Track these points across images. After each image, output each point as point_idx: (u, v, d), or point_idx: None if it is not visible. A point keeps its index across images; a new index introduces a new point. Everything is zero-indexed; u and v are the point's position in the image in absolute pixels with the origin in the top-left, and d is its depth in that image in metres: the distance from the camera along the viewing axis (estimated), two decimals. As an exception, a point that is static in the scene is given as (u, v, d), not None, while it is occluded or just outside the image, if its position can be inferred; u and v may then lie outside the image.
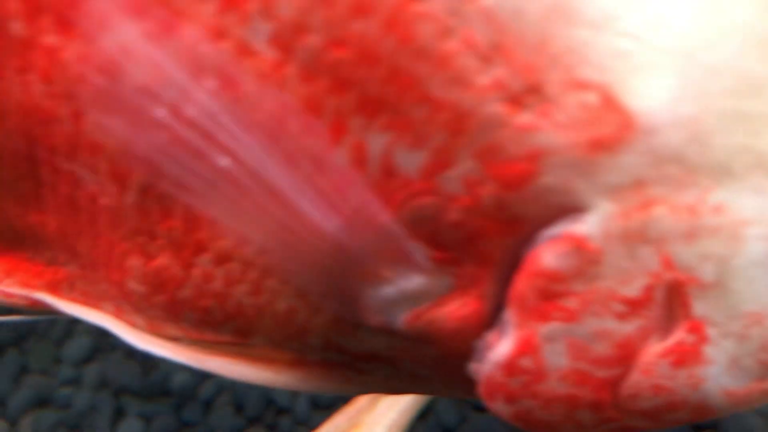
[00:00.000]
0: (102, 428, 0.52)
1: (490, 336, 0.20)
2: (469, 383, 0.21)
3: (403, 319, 0.20)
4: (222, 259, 0.20)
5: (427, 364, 0.21)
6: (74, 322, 0.58)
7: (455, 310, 0.20)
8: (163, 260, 0.21)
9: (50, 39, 0.18)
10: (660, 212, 0.18)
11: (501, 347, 0.19)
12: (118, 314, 0.23)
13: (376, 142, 0.18)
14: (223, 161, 0.18)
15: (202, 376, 0.55)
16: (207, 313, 0.21)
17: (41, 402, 0.54)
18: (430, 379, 0.22)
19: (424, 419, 0.52)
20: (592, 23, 0.17)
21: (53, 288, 0.23)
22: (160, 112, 0.18)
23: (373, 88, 0.18)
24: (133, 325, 0.23)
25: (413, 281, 0.19)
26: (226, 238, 0.20)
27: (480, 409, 0.55)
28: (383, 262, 0.19)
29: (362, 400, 0.50)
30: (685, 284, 0.18)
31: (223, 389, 0.54)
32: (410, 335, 0.20)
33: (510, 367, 0.19)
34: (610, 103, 0.18)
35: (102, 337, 0.57)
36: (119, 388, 0.54)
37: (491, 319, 0.20)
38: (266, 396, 0.54)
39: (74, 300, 0.23)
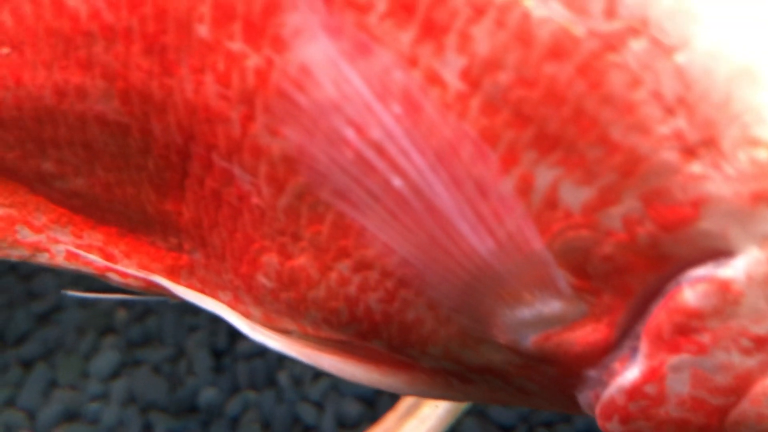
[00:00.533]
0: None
1: (613, 362, 0.21)
2: (573, 400, 0.23)
3: (532, 339, 0.21)
4: (362, 266, 0.21)
5: (539, 381, 0.23)
6: (102, 337, 0.58)
7: (585, 335, 0.21)
8: (301, 261, 0.22)
9: (236, 45, 0.20)
10: None
11: (628, 374, 0.21)
12: (234, 304, 0.24)
13: (545, 176, 0.19)
14: (396, 181, 0.19)
15: (229, 393, 0.56)
16: (333, 313, 0.23)
17: (70, 416, 0.54)
18: (536, 394, 0.24)
19: (450, 438, 0.52)
20: None
21: (172, 273, 0.25)
22: (342, 127, 0.19)
23: (553, 126, 0.19)
24: (248, 315, 0.24)
25: (551, 306, 0.21)
26: (371, 247, 0.21)
27: (505, 428, 0.55)
28: (527, 285, 0.20)
29: (389, 420, 0.50)
30: None
31: (250, 406, 0.55)
32: (535, 355, 0.21)
33: (634, 392, 0.21)
34: None
35: (129, 352, 0.57)
36: (147, 404, 0.55)
37: (616, 346, 0.21)
38: (292, 413, 0.55)
39: (191, 286, 0.25)
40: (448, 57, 0.19)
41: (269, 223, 0.22)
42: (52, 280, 0.61)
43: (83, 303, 0.60)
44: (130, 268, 0.25)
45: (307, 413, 0.55)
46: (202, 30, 0.20)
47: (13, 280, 0.61)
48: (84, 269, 0.26)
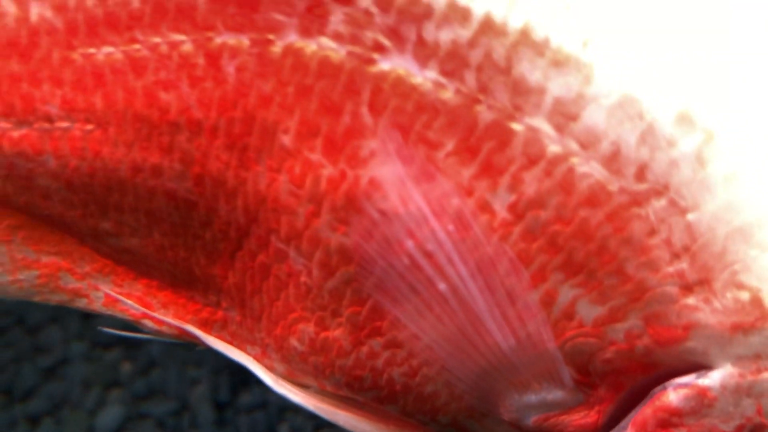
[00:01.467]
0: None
1: None
2: None
3: (533, 419, 0.26)
4: (392, 345, 0.25)
5: None
6: (107, 391, 0.60)
7: (578, 419, 0.26)
8: (336, 333, 0.25)
9: (314, 156, 0.23)
10: (766, 376, 0.24)
11: None
12: (261, 358, 0.27)
13: (566, 293, 0.24)
14: (441, 284, 0.24)
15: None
16: (357, 379, 0.26)
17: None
18: None
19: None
20: (762, 245, 0.24)
21: (205, 325, 0.27)
22: (400, 234, 0.23)
23: (579, 256, 0.24)
24: (272, 369, 0.27)
25: (554, 394, 0.25)
26: (403, 331, 0.25)
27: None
28: (537, 377, 0.25)
29: None
30: (766, 427, 0.25)
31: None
32: (533, 431, 0.26)
33: None
34: (756, 302, 0.24)
35: (134, 405, 0.59)
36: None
37: (602, 429, 0.26)
38: None
39: (221, 338, 0.27)
40: (499, 192, 0.23)
41: (312, 299, 0.25)
42: (58, 332, 0.63)
43: (89, 357, 0.61)
44: (166, 316, 0.27)
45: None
46: (285, 139, 0.24)
47: (19, 333, 0.63)
48: (120, 315, 0.28)
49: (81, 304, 0.28)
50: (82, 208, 0.25)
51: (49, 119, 0.23)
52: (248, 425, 0.58)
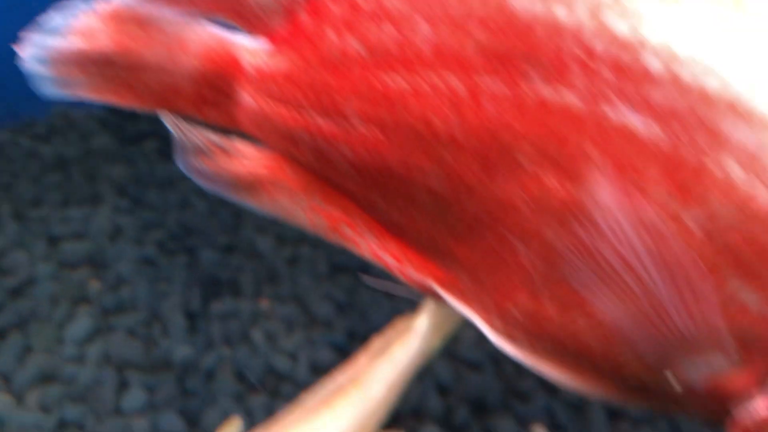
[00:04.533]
0: (107, 401, 0.53)
1: (756, 401, 0.31)
2: (713, 415, 0.32)
3: (699, 377, 0.31)
4: (583, 317, 0.31)
5: (692, 400, 0.32)
6: (76, 306, 0.59)
7: (738, 380, 0.30)
8: (544, 304, 0.32)
9: (544, 174, 0.30)
10: None
11: (760, 411, 0.30)
12: (482, 314, 0.34)
13: (738, 289, 0.28)
14: (634, 284, 0.29)
15: (204, 349, 0.57)
16: (558, 342, 0.32)
17: (46, 378, 0.55)
18: (685, 406, 0.33)
19: (422, 378, 0.54)
20: None
21: (439, 281, 0.35)
22: (606, 249, 0.29)
23: (756, 266, 0.28)
24: (490, 324, 0.34)
25: (719, 360, 0.30)
26: (594, 307, 0.31)
27: (475, 366, 0.57)
28: (707, 348, 0.30)
29: (361, 360, 0.52)
30: None
31: (224, 361, 0.56)
32: (699, 387, 0.31)
33: (762, 423, 0.30)
34: None
35: (104, 319, 0.58)
36: (122, 363, 0.55)
37: (757, 390, 0.31)
38: (267, 365, 0.56)
39: (452, 294, 0.35)
40: (691, 210, 0.28)
41: (529, 278, 0.32)
42: (23, 256, 0.62)
43: (56, 277, 0.61)
44: (414, 272, 0.35)
45: (282, 363, 0.56)
46: (523, 158, 0.30)
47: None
48: (377, 263, 0.36)
49: (351, 247, 0.36)
50: (364, 187, 0.35)
51: (347, 118, 0.33)
52: (221, 332, 0.58)
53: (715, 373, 0.31)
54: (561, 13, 0.30)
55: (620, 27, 0.29)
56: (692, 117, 0.28)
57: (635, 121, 0.29)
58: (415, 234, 0.35)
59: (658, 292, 0.30)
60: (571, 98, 0.30)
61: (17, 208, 0.66)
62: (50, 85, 0.35)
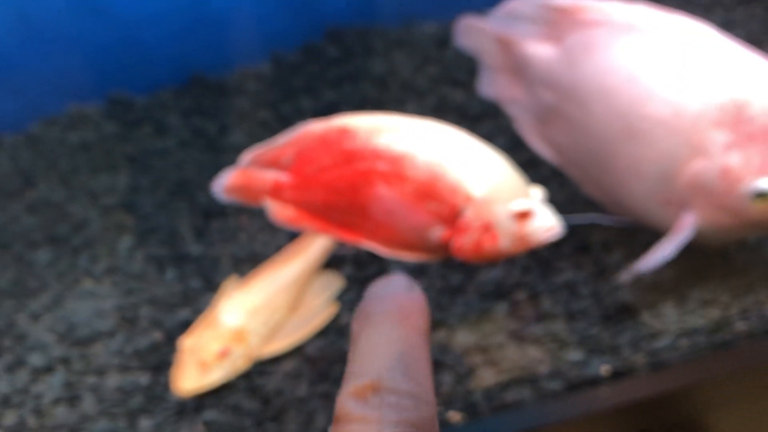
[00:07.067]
0: (153, 280, 0.83)
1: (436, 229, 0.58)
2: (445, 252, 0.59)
3: (435, 238, 0.58)
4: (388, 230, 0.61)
5: (437, 249, 0.59)
6: (120, 231, 0.89)
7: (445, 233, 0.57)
8: (379, 233, 0.61)
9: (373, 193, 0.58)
10: None
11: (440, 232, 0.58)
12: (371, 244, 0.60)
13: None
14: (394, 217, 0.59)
15: (208, 246, 0.87)
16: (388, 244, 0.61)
17: (111, 271, 0.85)
18: (436, 252, 0.60)
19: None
20: None
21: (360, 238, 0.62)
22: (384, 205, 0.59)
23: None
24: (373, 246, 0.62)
25: (438, 232, 0.59)
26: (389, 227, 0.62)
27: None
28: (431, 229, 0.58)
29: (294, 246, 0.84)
30: None
31: (223, 252, 0.87)
32: (436, 242, 0.58)
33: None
34: None
35: (141, 237, 0.88)
36: (160, 258, 0.86)
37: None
38: (251, 251, 0.87)
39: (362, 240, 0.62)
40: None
41: (376, 226, 0.61)
42: (76, 206, 0.92)
43: (101, 217, 0.91)
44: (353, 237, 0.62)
45: (260, 249, 0.87)
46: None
47: None
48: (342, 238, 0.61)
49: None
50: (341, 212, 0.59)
51: (325, 196, 0.60)
52: (218, 237, 0.89)
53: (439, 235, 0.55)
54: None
55: None
56: None
57: None
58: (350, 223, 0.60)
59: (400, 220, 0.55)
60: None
61: (63, 176, 0.96)
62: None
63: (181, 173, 0.92)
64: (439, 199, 0.54)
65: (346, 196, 0.59)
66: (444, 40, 1.04)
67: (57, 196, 0.90)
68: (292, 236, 0.78)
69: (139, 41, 1.02)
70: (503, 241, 0.54)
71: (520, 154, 0.80)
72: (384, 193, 0.57)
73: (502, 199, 0.54)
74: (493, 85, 0.77)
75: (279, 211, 0.61)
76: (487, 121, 0.91)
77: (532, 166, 0.80)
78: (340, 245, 0.73)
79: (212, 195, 0.65)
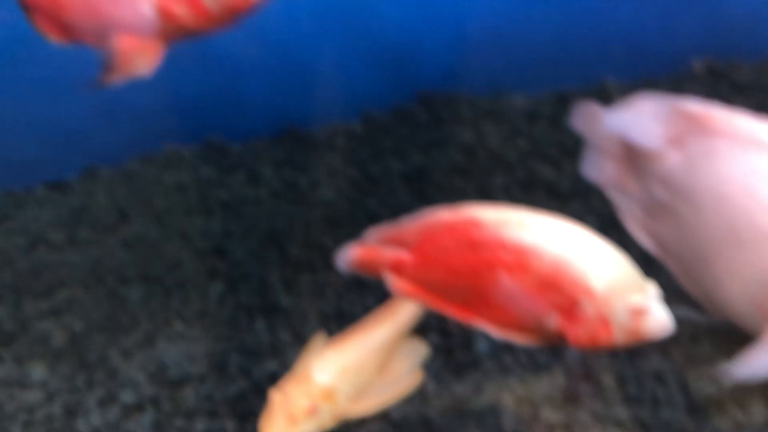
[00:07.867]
0: (242, 326, 0.85)
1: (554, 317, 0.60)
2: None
3: (551, 326, 0.61)
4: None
5: (551, 335, 0.62)
6: (211, 276, 0.91)
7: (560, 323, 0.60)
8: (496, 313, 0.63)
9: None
10: None
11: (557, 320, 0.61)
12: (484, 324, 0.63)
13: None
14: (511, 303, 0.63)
15: (295, 299, 0.89)
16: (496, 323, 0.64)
17: (202, 314, 0.87)
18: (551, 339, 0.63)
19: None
20: None
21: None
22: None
23: None
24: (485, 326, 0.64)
25: (555, 320, 0.62)
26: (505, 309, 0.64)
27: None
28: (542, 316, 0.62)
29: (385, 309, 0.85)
30: None
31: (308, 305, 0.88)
32: (553, 329, 0.60)
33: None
34: None
35: (230, 283, 0.90)
36: (247, 306, 0.88)
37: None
38: (339, 307, 0.88)
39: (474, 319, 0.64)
40: None
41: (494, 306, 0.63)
42: (169, 248, 0.94)
43: (193, 259, 0.93)
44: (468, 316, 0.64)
45: (349, 306, 0.89)
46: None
47: None
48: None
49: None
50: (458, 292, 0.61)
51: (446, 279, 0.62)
52: (308, 290, 0.90)
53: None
54: None
55: None
56: None
57: None
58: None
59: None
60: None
61: (157, 215, 0.99)
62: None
63: (272, 223, 0.95)
64: (560, 291, 0.56)
65: (466, 279, 0.61)
66: (533, 113, 1.06)
67: (151, 235, 0.93)
68: (380, 298, 0.80)
69: (237, 89, 1.05)
70: (618, 335, 0.56)
71: (610, 237, 0.81)
72: (506, 280, 0.59)
73: (619, 295, 0.55)
74: (600, 169, 0.79)
75: (398, 284, 0.62)
76: (578, 201, 0.92)
77: (620, 250, 0.81)
78: (428, 312, 0.74)
79: (336, 265, 0.66)
